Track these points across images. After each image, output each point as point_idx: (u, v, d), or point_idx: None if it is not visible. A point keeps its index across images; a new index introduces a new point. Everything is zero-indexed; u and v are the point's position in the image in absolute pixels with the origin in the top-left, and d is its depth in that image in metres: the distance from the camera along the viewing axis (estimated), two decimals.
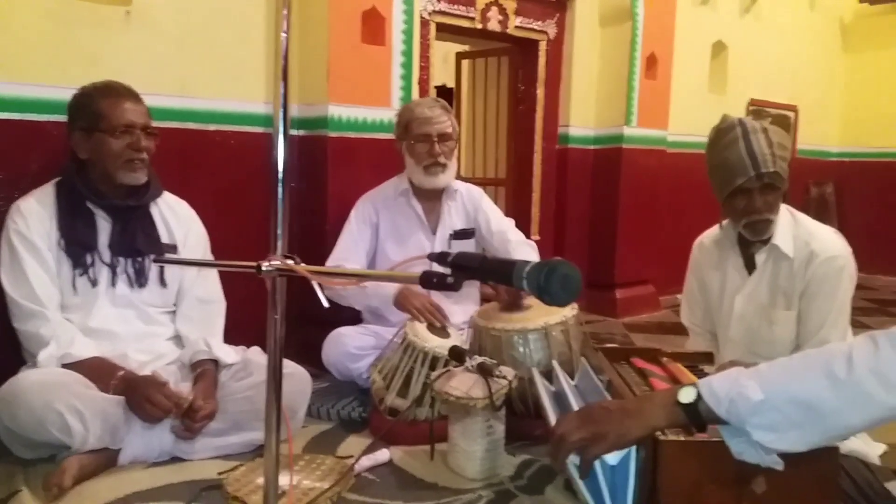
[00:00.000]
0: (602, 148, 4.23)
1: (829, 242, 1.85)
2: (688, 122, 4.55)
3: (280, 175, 1.16)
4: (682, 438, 1.19)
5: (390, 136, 2.75)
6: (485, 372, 1.85)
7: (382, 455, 1.92)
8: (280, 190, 1.16)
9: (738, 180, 1.76)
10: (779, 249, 1.86)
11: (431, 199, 2.62)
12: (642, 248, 4.29)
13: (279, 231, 1.17)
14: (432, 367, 2.04)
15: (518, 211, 4.09)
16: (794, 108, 5.70)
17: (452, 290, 1.00)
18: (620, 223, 4.19)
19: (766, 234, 1.85)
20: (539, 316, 2.15)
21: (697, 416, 1.14)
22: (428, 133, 2.48)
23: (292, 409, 1.99)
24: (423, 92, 3.26)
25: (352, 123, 2.89)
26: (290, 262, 1.11)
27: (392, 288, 2.36)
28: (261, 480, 1.45)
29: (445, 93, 5.39)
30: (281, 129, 1.15)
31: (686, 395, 1.15)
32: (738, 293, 1.98)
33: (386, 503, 1.70)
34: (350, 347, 2.39)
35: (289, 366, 1.99)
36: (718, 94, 4.98)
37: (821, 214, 5.23)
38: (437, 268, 1.03)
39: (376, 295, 2.41)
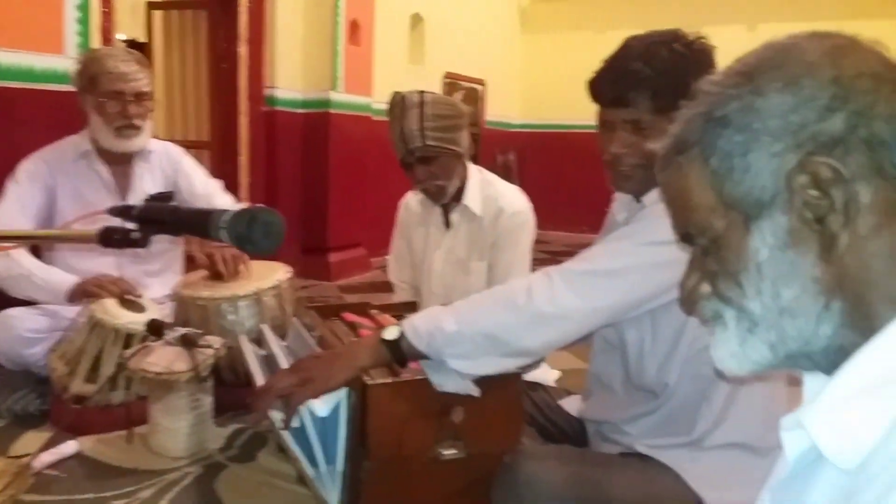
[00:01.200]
0: (310, 112, 4.19)
1: (514, 199, 2.06)
2: (390, 91, 4.70)
3: None
4: (389, 381, 1.23)
5: (66, 87, 2.38)
6: (188, 343, 1.73)
7: (68, 447, 1.69)
8: None
9: (398, 155, 1.91)
10: (469, 209, 2.02)
11: (120, 162, 2.33)
12: (353, 213, 4.38)
13: None
14: (126, 346, 1.83)
15: (225, 176, 3.84)
16: (482, 83, 6.25)
17: (139, 247, 0.90)
18: (332, 188, 4.21)
19: (444, 199, 2.00)
20: (250, 282, 2.06)
21: (400, 352, 1.20)
22: (121, 91, 2.18)
23: None
24: (107, 42, 2.89)
25: (14, 72, 2.45)
26: None
27: (67, 279, 2.02)
28: None
29: (136, 48, 4.86)
30: None
31: (390, 333, 1.20)
32: (438, 249, 2.12)
33: (75, 499, 1.50)
34: (21, 331, 2.03)
35: None
36: (417, 65, 5.24)
37: (505, 179, 5.83)
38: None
39: (46, 285, 2.04)
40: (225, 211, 0.85)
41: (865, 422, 0.47)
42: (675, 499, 1.20)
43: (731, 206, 0.56)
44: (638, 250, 1.18)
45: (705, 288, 0.59)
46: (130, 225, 0.91)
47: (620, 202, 1.40)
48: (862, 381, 0.48)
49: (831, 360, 0.53)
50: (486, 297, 1.24)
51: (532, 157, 6.88)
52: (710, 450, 1.23)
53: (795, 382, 0.59)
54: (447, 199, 2.01)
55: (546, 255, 5.41)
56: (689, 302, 0.62)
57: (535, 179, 6.62)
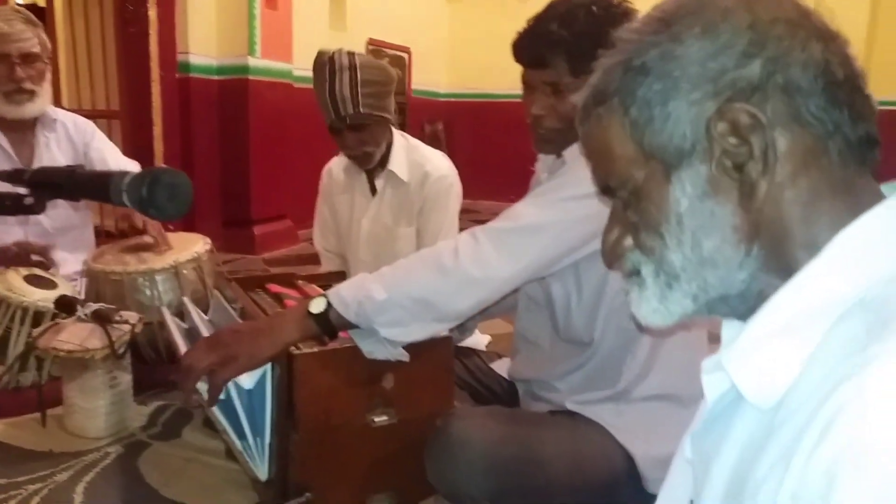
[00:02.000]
0: (227, 79, 4.03)
1: (439, 164, 2.05)
2: (311, 57, 4.57)
3: None
4: (317, 349, 1.20)
5: None
6: (102, 319, 1.64)
7: None
8: None
9: (327, 120, 1.84)
10: (395, 174, 1.99)
11: (20, 129, 2.18)
12: (277, 184, 4.26)
13: None
14: (36, 324, 1.73)
15: (139, 147, 3.69)
16: (407, 50, 6.16)
17: (34, 213, 0.83)
18: (253, 158, 4.08)
19: (371, 165, 1.96)
20: (168, 254, 1.97)
21: (329, 324, 1.17)
22: (6, 53, 2.03)
23: None
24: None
25: None
26: None
27: None
28: None
29: (36, 12, 4.53)
30: None
31: (316, 306, 1.17)
32: (365, 216, 2.08)
33: None
34: None
35: None
36: (339, 31, 5.11)
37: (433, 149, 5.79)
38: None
39: None
40: (126, 173, 0.79)
41: (782, 361, 0.48)
42: (603, 453, 1.23)
43: (652, 157, 0.55)
44: (560, 205, 1.18)
45: (627, 241, 0.59)
46: (23, 190, 0.84)
47: (543, 162, 1.41)
48: (778, 322, 0.49)
49: (749, 306, 0.53)
50: (413, 261, 1.22)
51: (460, 127, 6.85)
52: (636, 402, 1.27)
53: (716, 340, 0.60)
54: (374, 165, 1.97)
55: (476, 225, 5.43)
56: (611, 255, 0.61)
57: (463, 149, 6.61)
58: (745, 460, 0.50)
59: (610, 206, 0.62)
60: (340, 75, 1.79)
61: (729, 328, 0.59)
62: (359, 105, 1.79)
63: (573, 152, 1.26)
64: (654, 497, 1.26)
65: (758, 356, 0.49)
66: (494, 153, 6.69)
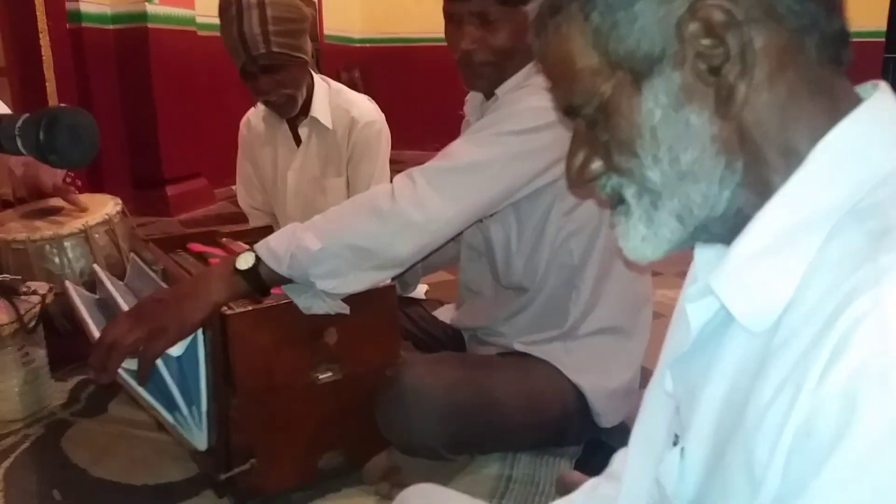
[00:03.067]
0: (124, 28, 3.73)
1: (366, 109, 1.96)
2: (214, 2, 4.31)
3: None
4: (250, 308, 1.13)
5: None
6: (7, 292, 1.50)
7: None
8: None
9: (238, 63, 1.69)
10: (318, 122, 1.88)
11: None
12: (189, 140, 4.02)
13: None
14: None
15: (32, 106, 3.38)
16: None
17: None
18: (161, 114, 3.82)
19: (293, 112, 1.83)
20: (76, 218, 1.82)
21: (259, 280, 1.09)
22: None
23: None
24: None
25: None
26: None
27: None
28: None
29: None
30: None
31: (244, 261, 1.09)
32: (290, 168, 1.97)
33: None
34: None
35: None
36: None
37: None
38: None
39: None
40: (17, 115, 0.68)
41: (776, 280, 0.45)
42: (554, 389, 1.22)
43: (618, 66, 0.50)
44: (498, 139, 1.14)
45: (596, 164, 0.54)
46: None
47: (471, 104, 1.36)
48: (768, 240, 0.46)
49: (730, 227, 0.50)
50: (346, 207, 1.15)
51: (378, 74, 6.65)
52: (583, 338, 1.26)
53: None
54: (295, 112, 1.85)
55: None
56: (578, 180, 0.56)
57: (383, 97, 6.35)
58: (739, 387, 0.47)
59: (572, 129, 0.57)
60: (249, 13, 1.64)
61: (702, 254, 0.56)
62: (271, 43, 1.65)
63: (506, 88, 1.21)
64: (603, 430, 1.29)
65: (749, 277, 0.46)
66: (416, 101, 6.56)
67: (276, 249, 1.09)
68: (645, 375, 1.32)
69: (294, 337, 1.16)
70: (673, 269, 2.25)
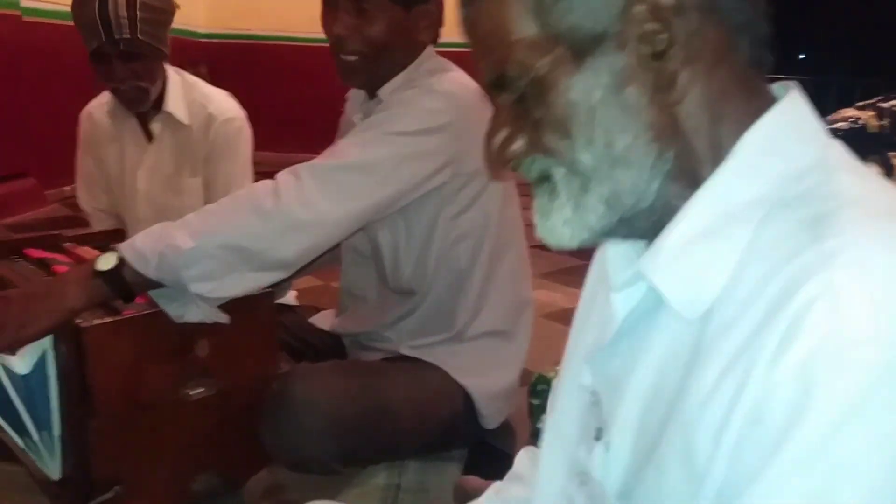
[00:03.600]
0: None
1: (226, 105, 1.85)
2: None
3: None
4: (110, 320, 1.01)
5: None
6: None
7: None
8: None
9: (93, 44, 1.53)
10: (173, 117, 1.75)
11: None
12: (12, 136, 3.60)
13: None
14: None
15: None
16: None
17: None
18: None
19: (144, 106, 1.69)
20: None
21: (123, 284, 0.98)
22: None
23: None
24: None
25: None
26: None
27: None
28: None
29: None
30: None
31: (105, 262, 0.98)
32: (140, 167, 1.82)
33: None
34: None
35: None
36: None
37: None
38: None
39: None
40: None
41: (710, 266, 0.46)
42: (443, 393, 1.22)
43: (558, 41, 0.48)
44: (386, 139, 1.11)
45: (519, 143, 0.52)
46: None
47: (354, 102, 1.32)
48: (700, 226, 0.47)
49: (655, 221, 0.50)
50: (224, 205, 1.07)
51: (225, 70, 6.34)
52: (469, 341, 1.27)
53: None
54: (147, 107, 1.71)
55: (261, 178, 5.12)
56: (498, 161, 0.53)
57: (235, 96, 6.13)
58: (669, 376, 0.48)
59: (495, 104, 0.54)
60: None
61: (616, 250, 0.56)
62: (137, 30, 1.51)
63: (388, 89, 1.19)
64: (488, 432, 1.29)
65: (683, 263, 0.47)
66: (267, 100, 6.29)
67: (142, 249, 0.99)
68: (524, 377, 1.35)
69: (160, 350, 1.06)
70: (537, 270, 2.32)
